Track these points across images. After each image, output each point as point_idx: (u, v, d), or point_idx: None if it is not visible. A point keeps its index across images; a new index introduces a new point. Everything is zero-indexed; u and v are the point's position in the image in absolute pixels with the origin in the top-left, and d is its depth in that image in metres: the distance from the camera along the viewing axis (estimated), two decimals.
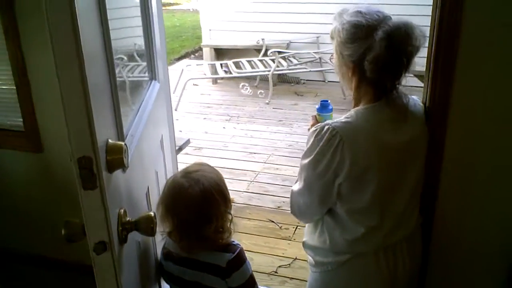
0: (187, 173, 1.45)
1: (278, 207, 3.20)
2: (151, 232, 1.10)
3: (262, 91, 5.50)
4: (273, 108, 5.17)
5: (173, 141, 2.10)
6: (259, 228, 2.94)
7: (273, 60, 5.44)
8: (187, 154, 4.03)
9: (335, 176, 1.35)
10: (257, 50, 6.02)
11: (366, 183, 1.37)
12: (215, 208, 1.41)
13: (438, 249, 1.68)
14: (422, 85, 1.59)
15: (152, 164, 1.59)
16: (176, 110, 5.12)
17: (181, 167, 3.76)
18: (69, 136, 0.92)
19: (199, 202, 1.39)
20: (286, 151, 4.07)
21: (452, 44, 1.44)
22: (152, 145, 1.61)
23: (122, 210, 1.09)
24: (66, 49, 0.85)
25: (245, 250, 2.70)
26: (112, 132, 1.07)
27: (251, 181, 3.56)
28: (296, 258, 2.63)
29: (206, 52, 6.32)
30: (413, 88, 5.46)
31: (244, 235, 2.87)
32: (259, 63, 5.56)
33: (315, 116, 1.64)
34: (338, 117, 1.41)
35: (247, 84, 5.53)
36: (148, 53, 1.67)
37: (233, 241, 1.50)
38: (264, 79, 5.66)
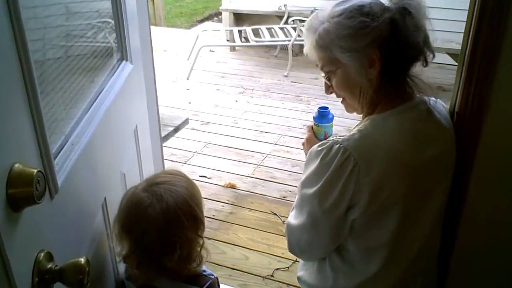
0: (151, 184, 1.18)
1: (284, 197, 2.92)
2: (80, 286, 0.83)
3: None
4: (291, 82, 4.83)
5: (157, 129, 1.83)
6: (259, 221, 2.69)
7: (294, 29, 5.05)
8: (193, 129, 3.78)
9: (349, 209, 1.08)
10: (279, 16, 5.62)
11: (387, 217, 1.09)
12: (181, 233, 1.13)
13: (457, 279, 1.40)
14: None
15: (115, 165, 1.31)
16: (188, 79, 4.85)
17: (184, 144, 3.53)
18: None
19: (160, 225, 1.12)
20: (299, 132, 3.76)
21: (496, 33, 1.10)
22: (116, 141, 1.33)
23: (42, 255, 0.82)
24: None
25: (241, 247, 2.51)
26: (24, 151, 0.79)
27: (258, 165, 3.29)
28: (296, 261, 2.37)
29: (225, 16, 5.94)
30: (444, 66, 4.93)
31: (242, 228, 2.63)
32: (279, 32, 5.17)
33: (312, 126, 1.34)
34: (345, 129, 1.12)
35: None
36: (117, 26, 1.36)
37: (205, 271, 1.24)
38: (285, 48, 5.29)
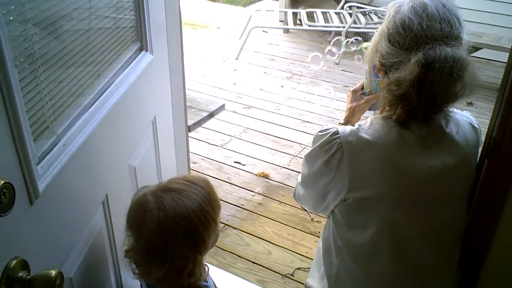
0: (162, 189, 1.11)
1: None
2: None
3: None
4: (342, 70, 4.65)
5: (182, 120, 1.78)
6: (288, 216, 2.62)
7: (350, 15, 4.84)
8: (235, 112, 3.74)
9: (327, 193, 1.14)
10: (336, 0, 5.41)
11: (369, 216, 1.10)
12: (173, 248, 1.07)
13: None
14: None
15: (122, 161, 1.27)
16: (237, 59, 4.78)
17: (223, 127, 3.49)
18: None
19: (153, 234, 1.06)
20: None
21: None
22: (125, 136, 1.29)
23: (14, 262, 0.80)
24: None
25: (266, 240, 2.46)
26: None
27: (294, 156, 3.20)
28: None
29: None
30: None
31: (269, 221, 2.58)
32: (334, 17, 4.98)
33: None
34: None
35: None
36: (137, 15, 1.30)
37: (205, 284, 1.17)
38: (340, 34, 5.09)
